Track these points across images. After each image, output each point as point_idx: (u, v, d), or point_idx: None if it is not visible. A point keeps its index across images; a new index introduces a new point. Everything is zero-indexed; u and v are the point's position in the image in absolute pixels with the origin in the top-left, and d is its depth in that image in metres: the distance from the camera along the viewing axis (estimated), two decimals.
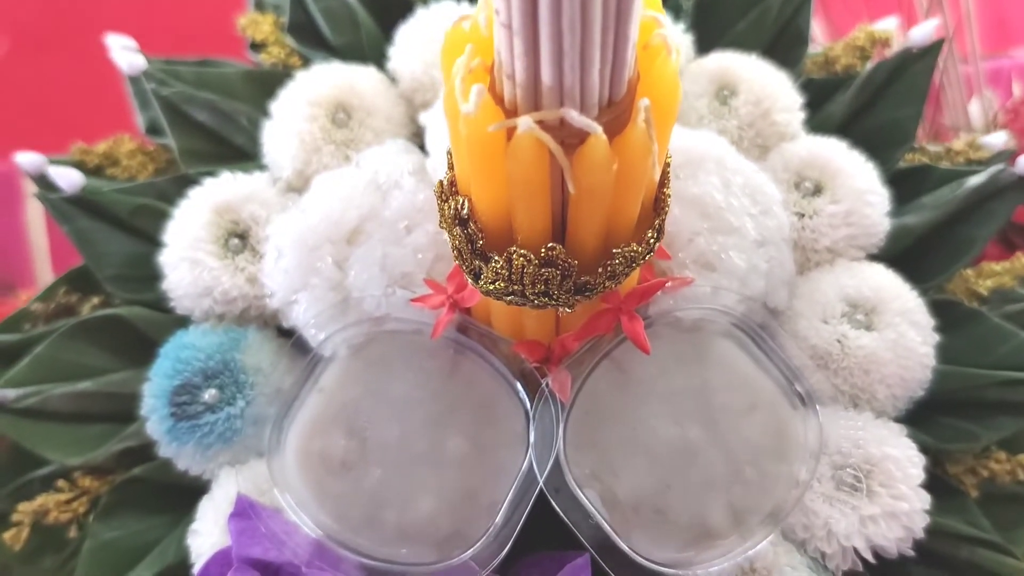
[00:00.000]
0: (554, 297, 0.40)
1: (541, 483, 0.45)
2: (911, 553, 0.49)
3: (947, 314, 0.55)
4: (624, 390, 0.48)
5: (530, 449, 0.45)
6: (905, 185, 0.58)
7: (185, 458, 0.52)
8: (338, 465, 0.48)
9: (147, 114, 0.65)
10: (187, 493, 0.52)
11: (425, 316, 0.49)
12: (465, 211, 0.39)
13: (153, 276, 0.56)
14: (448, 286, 0.49)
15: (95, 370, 0.55)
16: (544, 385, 0.46)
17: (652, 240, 0.40)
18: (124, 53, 0.62)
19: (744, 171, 0.53)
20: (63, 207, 0.57)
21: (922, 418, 0.53)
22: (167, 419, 0.51)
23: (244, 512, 0.46)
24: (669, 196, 0.41)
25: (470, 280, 0.42)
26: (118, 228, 0.58)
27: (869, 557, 0.48)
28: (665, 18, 0.37)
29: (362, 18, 0.63)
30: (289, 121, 0.56)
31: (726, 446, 0.47)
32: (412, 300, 0.49)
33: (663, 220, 0.42)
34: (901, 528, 0.48)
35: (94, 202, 0.58)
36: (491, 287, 0.41)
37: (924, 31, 0.60)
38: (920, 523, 0.49)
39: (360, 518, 0.47)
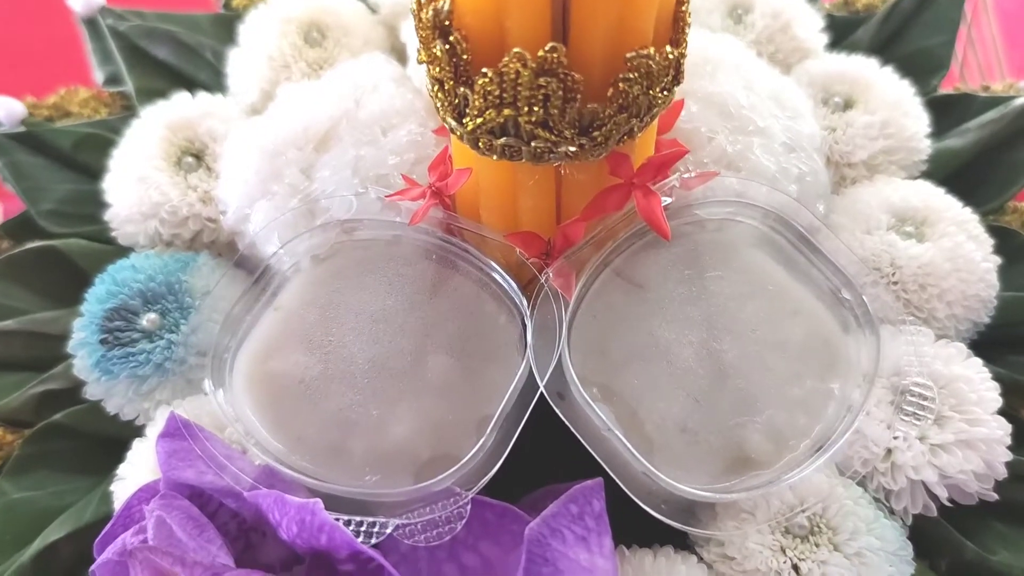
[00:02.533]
0: (555, 131, 0.33)
1: (542, 387, 0.37)
2: (993, 496, 0.40)
3: (1005, 243, 0.48)
4: (637, 297, 0.40)
5: (528, 350, 0.37)
6: (946, 113, 0.52)
7: (116, 397, 0.43)
8: (295, 385, 0.39)
9: (106, 69, 0.59)
10: (115, 448, 0.43)
11: (403, 217, 0.42)
12: (446, 10, 0.32)
13: (95, 215, 0.49)
14: (430, 176, 0.42)
15: (20, 313, 0.48)
16: (543, 280, 0.39)
17: (671, 56, 0.33)
18: None
19: (768, 75, 0.47)
20: None
21: (989, 356, 0.45)
22: (96, 349, 0.43)
23: (176, 432, 0.37)
24: (689, 15, 0.35)
25: (453, 124, 0.35)
26: (60, 163, 0.52)
27: (942, 494, 0.39)
28: None
29: None
30: (258, 41, 0.51)
31: (761, 361, 0.39)
32: (388, 196, 0.42)
33: (683, 52, 0.35)
34: (979, 460, 0.39)
35: (34, 135, 0.51)
36: (479, 121, 0.34)
37: None
38: (1001, 457, 0.40)
39: (322, 448, 0.38)
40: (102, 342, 0.43)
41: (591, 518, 0.35)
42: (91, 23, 0.59)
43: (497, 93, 0.33)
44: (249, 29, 0.52)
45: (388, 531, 0.34)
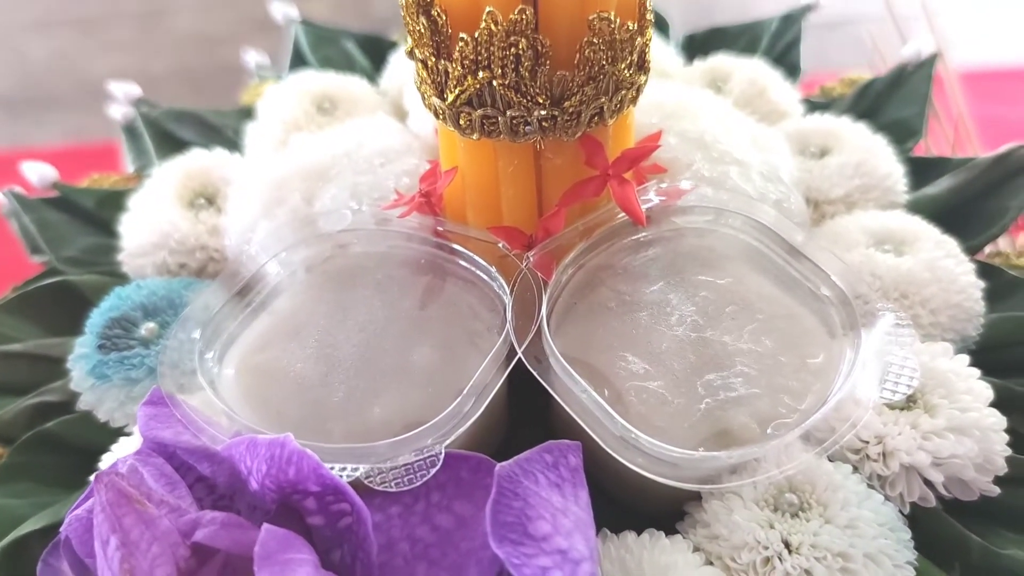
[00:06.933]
0: (528, 95, 0.36)
1: (520, 353, 0.37)
2: (995, 490, 0.39)
3: (991, 280, 0.48)
4: (617, 294, 0.41)
5: (508, 324, 0.38)
6: (921, 173, 0.54)
7: (108, 403, 0.44)
8: (280, 370, 0.40)
9: (138, 163, 0.64)
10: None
11: (395, 227, 0.44)
12: None
13: (111, 263, 0.52)
14: (420, 186, 0.45)
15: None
16: (524, 264, 0.40)
17: (631, 29, 0.37)
18: (117, 88, 0.63)
19: (746, 122, 0.50)
20: (28, 200, 0.55)
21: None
22: (93, 355, 0.44)
23: (159, 401, 0.38)
24: (651, 11, 0.38)
25: (436, 103, 0.38)
26: (83, 220, 0.55)
27: (937, 479, 0.38)
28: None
29: (358, 61, 0.64)
30: (274, 108, 0.55)
31: (742, 351, 0.39)
32: (384, 207, 0.44)
33: (646, 40, 0.39)
34: (973, 444, 0.38)
35: (62, 198, 0.55)
36: (458, 91, 0.37)
37: (914, 48, 0.60)
38: (998, 444, 0.39)
39: (303, 427, 0.38)
40: (100, 347, 0.44)
41: (566, 469, 0.34)
42: (130, 130, 0.65)
43: (473, 57, 0.36)
44: (266, 100, 0.57)
45: (358, 474, 0.34)
